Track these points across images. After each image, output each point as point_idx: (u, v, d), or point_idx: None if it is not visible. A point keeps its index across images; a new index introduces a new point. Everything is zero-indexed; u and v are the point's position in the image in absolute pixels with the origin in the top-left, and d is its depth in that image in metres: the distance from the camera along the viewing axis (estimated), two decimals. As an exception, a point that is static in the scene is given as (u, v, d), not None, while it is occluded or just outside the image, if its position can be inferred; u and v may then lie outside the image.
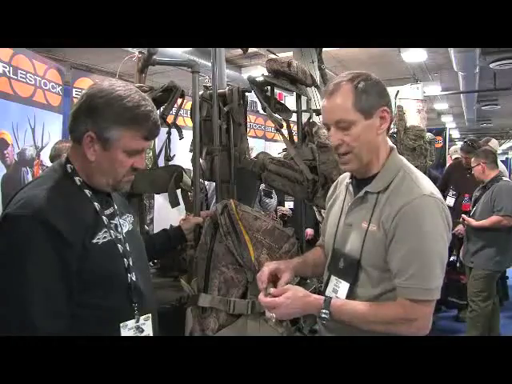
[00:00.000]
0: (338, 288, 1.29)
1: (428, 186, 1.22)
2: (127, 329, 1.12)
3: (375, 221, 1.22)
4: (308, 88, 2.01)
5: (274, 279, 1.33)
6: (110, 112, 1.08)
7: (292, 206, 4.48)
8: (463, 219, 3.70)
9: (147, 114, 1.11)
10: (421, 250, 1.16)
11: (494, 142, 5.39)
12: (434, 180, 3.38)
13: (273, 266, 1.35)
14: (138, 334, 1.14)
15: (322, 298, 1.23)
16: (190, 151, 1.95)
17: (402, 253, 1.17)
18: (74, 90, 3.39)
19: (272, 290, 1.27)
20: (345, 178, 1.42)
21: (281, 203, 4.54)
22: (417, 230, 1.16)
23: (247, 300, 1.44)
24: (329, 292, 1.33)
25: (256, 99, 2.04)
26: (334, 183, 1.51)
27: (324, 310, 1.20)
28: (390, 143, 1.32)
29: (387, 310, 1.19)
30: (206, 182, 2.06)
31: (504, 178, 3.69)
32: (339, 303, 1.23)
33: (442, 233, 1.19)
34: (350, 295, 1.25)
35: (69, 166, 1.14)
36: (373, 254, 1.22)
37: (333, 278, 1.33)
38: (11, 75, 2.66)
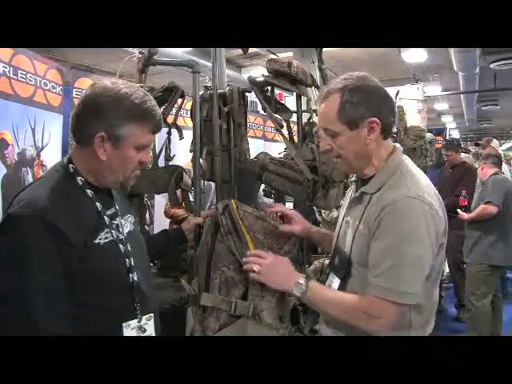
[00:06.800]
0: (332, 283, 1.32)
1: (419, 187, 1.19)
2: (129, 328, 1.12)
3: (364, 220, 1.23)
4: (308, 88, 2.01)
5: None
6: (120, 110, 1.08)
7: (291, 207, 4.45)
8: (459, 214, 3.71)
9: (153, 109, 1.14)
10: (394, 251, 1.14)
11: (494, 142, 5.48)
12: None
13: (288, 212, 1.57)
14: (141, 334, 1.14)
15: (303, 274, 1.32)
16: (191, 151, 1.95)
17: (377, 250, 1.17)
18: (74, 90, 3.39)
19: (254, 251, 1.42)
20: None
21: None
22: (394, 230, 1.15)
23: (248, 302, 1.45)
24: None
25: (256, 99, 2.04)
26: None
27: (302, 281, 1.26)
28: (397, 144, 1.33)
29: (353, 302, 1.20)
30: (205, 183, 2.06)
31: (500, 174, 3.69)
32: (316, 284, 1.31)
33: (423, 237, 1.14)
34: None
35: (71, 166, 1.14)
36: (360, 252, 1.24)
37: (331, 273, 1.36)
38: (11, 75, 2.66)
